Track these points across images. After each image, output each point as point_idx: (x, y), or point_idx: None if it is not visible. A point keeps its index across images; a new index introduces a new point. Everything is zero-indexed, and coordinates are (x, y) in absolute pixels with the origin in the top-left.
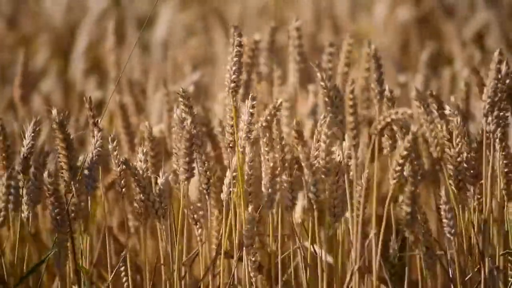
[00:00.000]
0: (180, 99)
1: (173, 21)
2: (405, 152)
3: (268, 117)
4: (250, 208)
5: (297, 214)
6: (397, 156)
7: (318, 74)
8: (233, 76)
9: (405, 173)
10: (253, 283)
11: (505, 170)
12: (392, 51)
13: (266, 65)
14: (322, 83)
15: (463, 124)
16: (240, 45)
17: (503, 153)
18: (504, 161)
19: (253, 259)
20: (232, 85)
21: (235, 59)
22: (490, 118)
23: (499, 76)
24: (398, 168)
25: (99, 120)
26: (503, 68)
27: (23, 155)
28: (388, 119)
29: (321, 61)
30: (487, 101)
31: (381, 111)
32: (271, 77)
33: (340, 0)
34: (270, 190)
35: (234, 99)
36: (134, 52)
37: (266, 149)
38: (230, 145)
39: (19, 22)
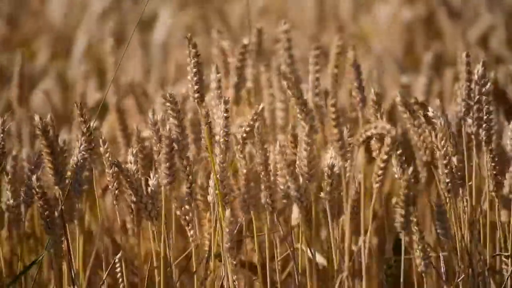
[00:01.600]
0: (167, 103)
1: (173, 22)
2: (385, 156)
3: (251, 122)
4: (227, 212)
5: (294, 217)
6: (378, 160)
7: (284, 83)
8: (196, 87)
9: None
10: (236, 286)
11: (493, 172)
12: (395, 52)
13: (254, 67)
14: (289, 92)
15: (447, 126)
16: (196, 55)
17: (491, 155)
18: (492, 164)
19: (234, 262)
20: (196, 95)
21: (194, 70)
22: (470, 120)
23: (471, 78)
24: (380, 172)
25: (94, 123)
26: (480, 70)
27: None
28: (368, 133)
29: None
30: (462, 103)
31: (364, 118)
32: (259, 80)
33: (344, 1)
34: (245, 195)
35: (201, 107)
36: (135, 53)
37: (241, 155)
38: (206, 147)
39: (20, 22)
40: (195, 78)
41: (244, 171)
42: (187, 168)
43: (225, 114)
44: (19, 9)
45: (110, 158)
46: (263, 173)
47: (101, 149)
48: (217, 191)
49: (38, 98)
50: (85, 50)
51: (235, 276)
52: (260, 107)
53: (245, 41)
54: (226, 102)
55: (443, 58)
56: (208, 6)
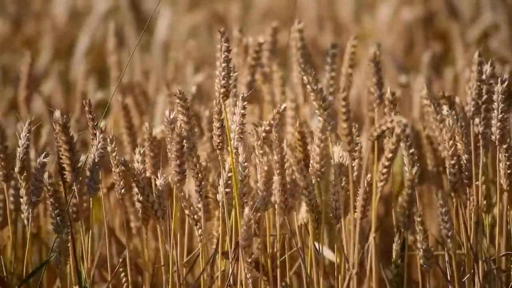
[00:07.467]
0: (177, 100)
1: (175, 23)
2: (390, 155)
3: (272, 122)
4: (246, 209)
5: (302, 215)
6: (383, 158)
7: (305, 78)
8: (223, 82)
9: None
10: (249, 284)
11: (508, 171)
12: (396, 52)
13: (267, 66)
14: (309, 87)
15: (461, 126)
16: (228, 50)
17: (506, 154)
18: (507, 163)
19: (249, 260)
20: (222, 90)
21: (223, 64)
22: (477, 120)
23: (482, 78)
24: (385, 170)
25: (100, 122)
26: (488, 69)
27: (19, 156)
28: (384, 127)
29: (324, 63)
30: (472, 103)
31: (381, 115)
32: (272, 78)
33: (344, 1)
34: (264, 192)
35: (224, 103)
36: (136, 53)
37: (261, 151)
38: (219, 146)
39: (23, 23)
40: (223, 73)
41: (265, 168)
42: (197, 166)
43: (242, 111)
44: (22, 9)
45: (117, 157)
46: (278, 170)
47: (109, 148)
48: (229, 190)
49: (40, 99)
50: (88, 50)
51: (249, 275)
52: (283, 106)
53: (261, 39)
54: (244, 99)
55: (444, 57)
56: (211, 7)
